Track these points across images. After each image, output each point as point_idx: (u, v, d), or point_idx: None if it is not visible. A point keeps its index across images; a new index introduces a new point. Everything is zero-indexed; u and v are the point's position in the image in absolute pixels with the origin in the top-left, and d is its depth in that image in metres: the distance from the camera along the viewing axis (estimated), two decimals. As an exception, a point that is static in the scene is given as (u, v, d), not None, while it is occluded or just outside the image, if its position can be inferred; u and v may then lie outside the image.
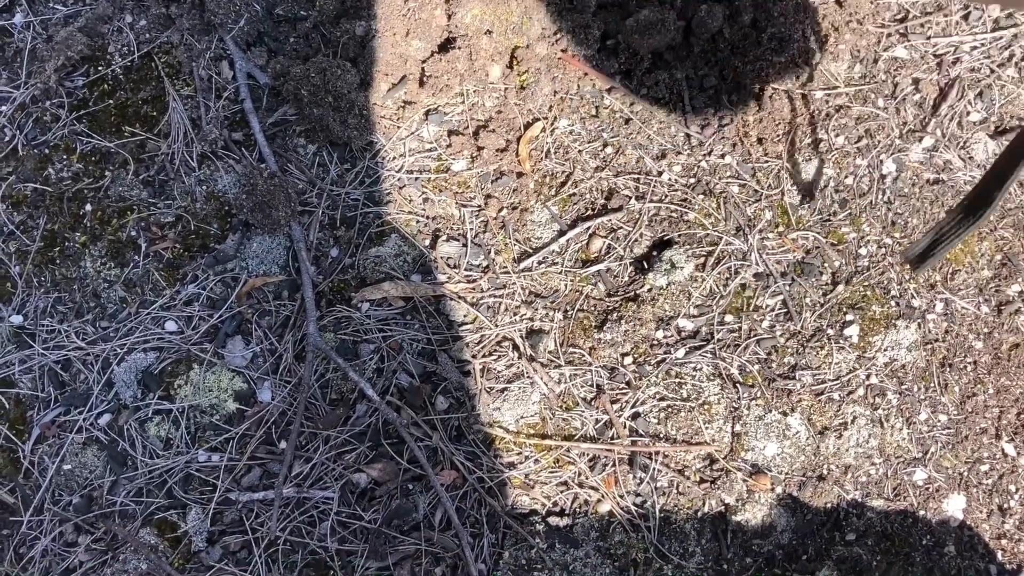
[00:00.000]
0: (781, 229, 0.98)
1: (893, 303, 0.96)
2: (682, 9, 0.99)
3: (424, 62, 0.98)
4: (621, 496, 0.91)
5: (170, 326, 0.95)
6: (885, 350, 0.95)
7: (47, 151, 0.98)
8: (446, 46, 0.98)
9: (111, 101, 0.98)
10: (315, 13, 0.97)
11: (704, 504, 0.91)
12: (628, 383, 0.94)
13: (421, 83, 0.99)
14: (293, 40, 0.98)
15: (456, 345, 0.95)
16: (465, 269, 0.97)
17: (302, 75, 0.95)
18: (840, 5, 1.00)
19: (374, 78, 0.98)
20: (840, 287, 0.96)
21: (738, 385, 0.94)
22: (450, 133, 1.00)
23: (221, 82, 0.99)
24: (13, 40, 1.00)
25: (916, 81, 1.01)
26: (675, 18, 0.98)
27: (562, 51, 0.99)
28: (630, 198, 0.98)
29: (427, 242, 0.98)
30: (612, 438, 0.92)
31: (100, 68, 0.99)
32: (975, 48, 1.01)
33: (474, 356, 0.94)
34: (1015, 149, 0.65)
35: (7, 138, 0.98)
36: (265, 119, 0.98)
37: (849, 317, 0.96)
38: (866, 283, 0.96)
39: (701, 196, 0.98)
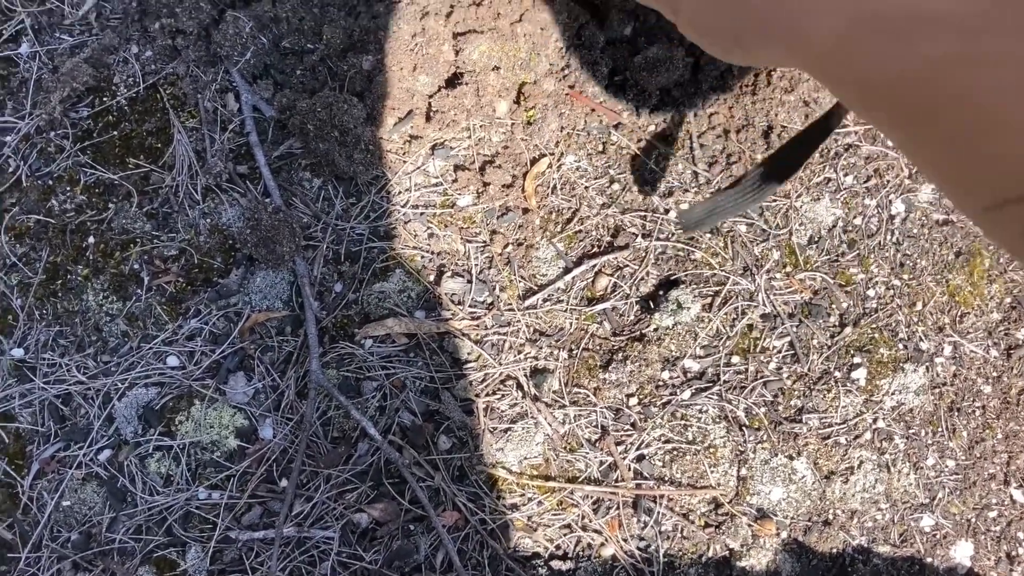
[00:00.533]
0: (789, 269, 0.97)
1: (901, 346, 0.95)
2: (691, 45, 0.98)
3: (431, 97, 0.97)
4: (625, 540, 0.90)
5: (172, 361, 0.94)
6: (892, 394, 0.94)
7: (51, 182, 0.97)
8: (453, 81, 0.97)
9: (115, 132, 0.98)
10: (322, 47, 0.97)
11: (708, 549, 0.90)
12: (633, 424, 0.93)
13: (428, 118, 0.98)
14: (300, 73, 0.98)
15: (459, 384, 0.94)
16: (469, 306, 0.96)
17: (308, 109, 0.94)
18: (850, 43, 0.99)
19: (380, 112, 0.97)
20: (848, 329, 0.95)
21: (744, 428, 0.93)
22: (456, 168, 0.99)
23: (226, 114, 0.98)
24: (19, 70, 0.99)
25: (926, 121, 1.00)
26: (684, 55, 0.97)
27: (569, 87, 0.99)
28: (636, 236, 0.98)
29: (431, 278, 0.97)
30: (616, 480, 0.91)
31: (105, 99, 0.98)
32: (986, 88, 1.00)
33: (477, 395, 0.93)
34: (813, 132, 0.61)
35: (11, 169, 0.97)
36: (270, 152, 0.98)
37: (856, 360, 0.95)
38: (874, 325, 0.96)
39: (708, 235, 0.97)
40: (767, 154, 0.64)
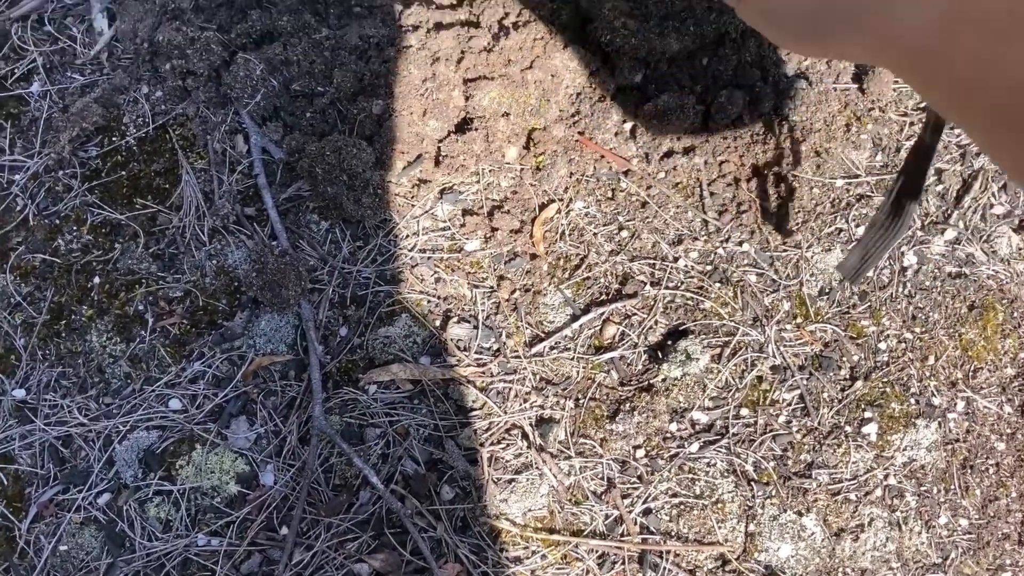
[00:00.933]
0: (799, 320, 0.96)
1: (913, 401, 0.94)
2: (702, 94, 0.98)
3: (440, 142, 0.97)
4: (630, 596, 0.88)
5: (174, 404, 0.93)
6: (904, 450, 0.93)
7: (57, 222, 0.97)
8: (463, 127, 0.97)
9: (124, 172, 0.98)
10: (332, 90, 0.97)
11: (715, 607, 0.89)
12: (640, 477, 0.91)
13: (437, 162, 0.98)
14: (309, 115, 0.98)
15: (464, 432, 0.92)
16: (475, 352, 0.95)
17: (317, 153, 0.94)
18: (863, 93, 0.99)
19: (390, 156, 0.97)
20: (859, 383, 0.94)
21: (753, 483, 0.91)
22: (464, 212, 0.98)
23: (235, 156, 0.98)
24: (29, 109, 0.99)
25: (939, 172, 0.99)
26: (694, 103, 0.97)
27: (579, 133, 0.98)
28: (645, 284, 0.97)
29: (437, 323, 0.96)
30: (622, 535, 0.90)
31: (114, 139, 0.98)
32: (999, 139, 0.99)
33: (482, 444, 0.92)
34: (918, 153, 0.63)
35: (19, 208, 0.97)
36: (278, 194, 0.97)
37: (867, 414, 0.93)
38: (885, 379, 0.94)
39: (718, 284, 0.96)
40: (891, 186, 0.67)
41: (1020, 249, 0.97)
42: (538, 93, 0.97)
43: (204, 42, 0.96)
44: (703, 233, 0.98)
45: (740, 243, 0.97)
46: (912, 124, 1.00)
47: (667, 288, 0.96)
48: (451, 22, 0.97)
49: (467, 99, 0.96)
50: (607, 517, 0.90)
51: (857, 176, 0.98)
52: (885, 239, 0.72)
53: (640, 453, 0.92)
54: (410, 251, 0.97)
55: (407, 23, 0.97)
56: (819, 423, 0.93)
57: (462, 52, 0.96)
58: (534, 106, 0.97)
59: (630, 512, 0.90)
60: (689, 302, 0.96)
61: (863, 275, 0.77)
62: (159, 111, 0.99)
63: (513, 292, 0.97)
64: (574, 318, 0.96)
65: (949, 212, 0.98)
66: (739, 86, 0.97)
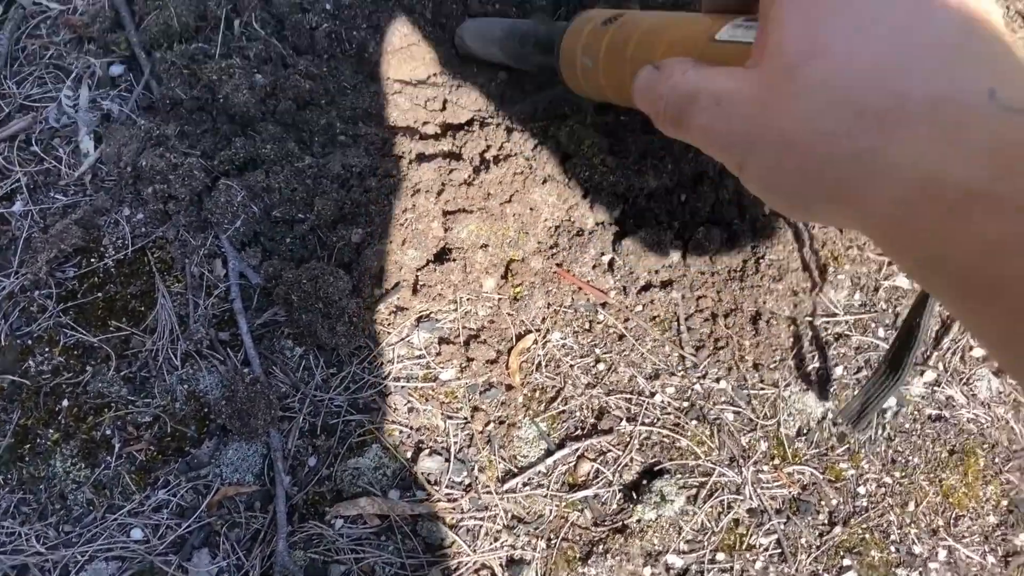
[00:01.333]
0: (777, 462, 0.94)
1: (893, 549, 0.91)
2: (680, 230, 0.98)
3: (419, 271, 0.97)
4: None
5: (136, 534, 0.91)
6: (885, 601, 0.90)
7: (30, 342, 0.96)
8: (441, 257, 0.97)
9: (100, 294, 0.98)
10: (313, 217, 0.97)
11: None
12: (611, 626, 0.88)
13: (414, 291, 0.97)
14: (289, 242, 0.98)
15: (432, 572, 0.90)
16: (446, 486, 0.93)
17: (294, 280, 0.94)
18: (841, 232, 0.99)
19: (367, 284, 0.97)
20: (837, 528, 0.92)
21: (728, 634, 0.88)
22: (440, 341, 0.98)
23: (212, 280, 0.98)
24: (10, 228, 1.00)
25: (917, 311, 0.99)
26: (672, 238, 0.97)
27: (557, 265, 0.99)
28: (621, 419, 0.95)
29: (409, 455, 0.94)
30: None
31: (93, 260, 0.98)
32: (977, 279, 1.00)
33: (450, 586, 0.89)
34: (916, 307, 0.67)
35: (-9, 327, 0.97)
36: (254, 319, 0.97)
37: (847, 562, 0.91)
38: (864, 525, 0.92)
39: (694, 422, 0.95)
40: (889, 342, 0.73)
41: (1000, 393, 0.96)
42: (517, 226, 0.97)
43: (187, 168, 0.97)
44: (680, 368, 0.97)
45: (717, 379, 0.96)
46: (890, 264, 1.00)
47: (643, 424, 0.95)
48: (433, 153, 0.98)
49: (446, 230, 0.97)
50: (576, 669, 0.87)
51: (835, 315, 0.98)
52: (885, 387, 0.75)
53: (612, 599, 0.89)
54: (384, 379, 0.96)
55: (390, 153, 0.98)
56: (797, 570, 0.90)
57: (443, 184, 0.96)
58: (512, 238, 0.97)
59: (600, 664, 0.87)
60: (665, 439, 0.95)
61: (865, 421, 0.81)
62: (139, 234, 0.99)
63: (487, 424, 0.96)
64: (548, 453, 0.95)
65: (928, 353, 0.97)
66: (717, 223, 0.98)
